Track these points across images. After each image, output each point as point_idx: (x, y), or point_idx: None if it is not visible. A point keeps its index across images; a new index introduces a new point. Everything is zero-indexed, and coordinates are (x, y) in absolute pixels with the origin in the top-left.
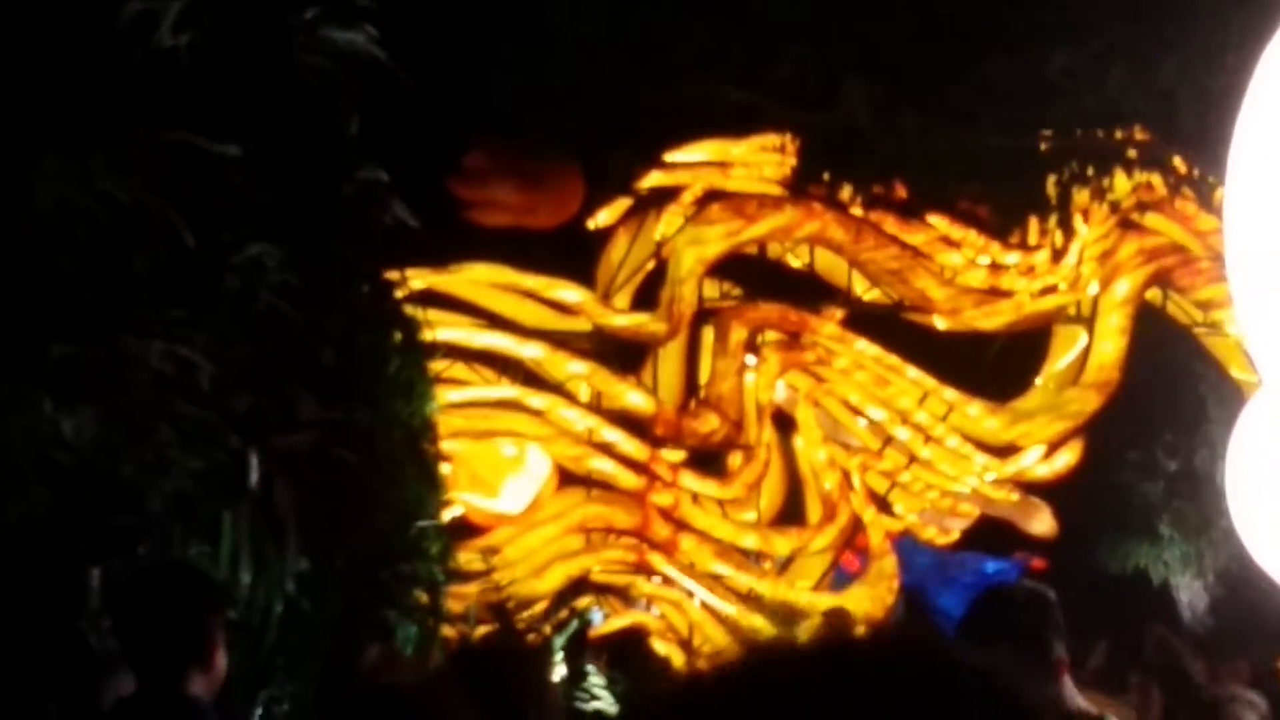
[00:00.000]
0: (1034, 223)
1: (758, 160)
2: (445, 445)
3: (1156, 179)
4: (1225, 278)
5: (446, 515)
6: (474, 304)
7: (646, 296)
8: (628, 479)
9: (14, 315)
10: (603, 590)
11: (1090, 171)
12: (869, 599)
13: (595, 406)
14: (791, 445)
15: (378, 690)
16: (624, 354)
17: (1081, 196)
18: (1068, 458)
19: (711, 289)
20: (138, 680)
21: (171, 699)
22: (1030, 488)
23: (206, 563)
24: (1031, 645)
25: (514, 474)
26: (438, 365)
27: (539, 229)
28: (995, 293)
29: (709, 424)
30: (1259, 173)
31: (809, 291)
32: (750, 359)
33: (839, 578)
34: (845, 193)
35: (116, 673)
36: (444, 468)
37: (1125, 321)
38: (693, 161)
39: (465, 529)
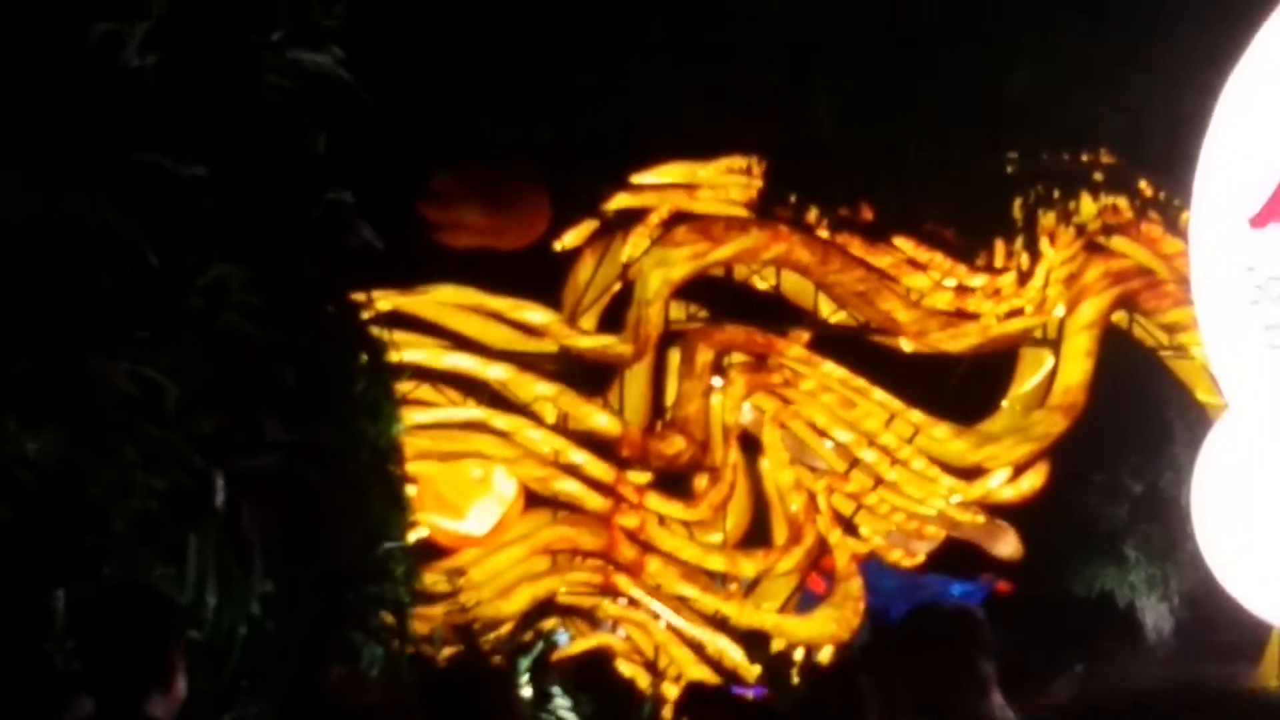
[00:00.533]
0: (1000, 245)
1: (724, 182)
2: (411, 467)
3: (1123, 202)
4: (1191, 301)
5: (412, 537)
6: (440, 325)
7: (613, 318)
8: (594, 501)
9: None
10: (568, 612)
11: (1056, 194)
12: (835, 621)
13: (561, 428)
14: (758, 467)
15: (345, 713)
16: (590, 376)
17: (1048, 219)
18: (1033, 480)
19: (678, 311)
20: (97, 702)
21: None
22: (996, 510)
23: (171, 584)
24: (958, 662)
25: (480, 496)
26: (404, 386)
27: (505, 251)
28: (961, 315)
29: (675, 446)
30: (1224, 196)
31: (775, 313)
32: (716, 381)
33: (805, 599)
34: (812, 215)
35: (80, 694)
36: (410, 489)
37: (1091, 344)
38: (659, 183)
39: (431, 550)
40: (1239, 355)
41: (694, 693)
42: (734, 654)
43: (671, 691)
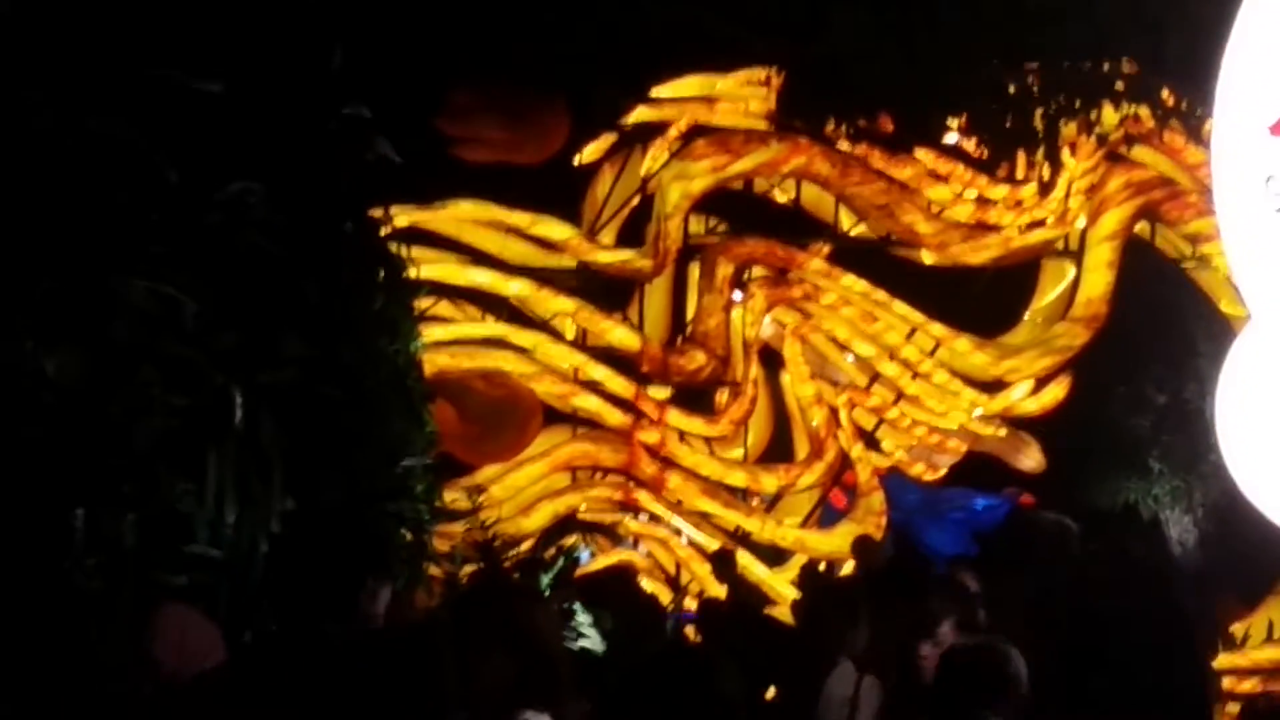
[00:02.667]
0: (1021, 156)
1: (743, 95)
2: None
3: (1144, 111)
4: (1213, 211)
5: (432, 454)
6: (459, 241)
7: (632, 232)
8: (614, 417)
9: None
10: (590, 528)
11: (1077, 104)
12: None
13: (581, 344)
14: (779, 381)
15: (397, 631)
16: (610, 291)
17: (1069, 129)
18: (1056, 393)
19: (697, 225)
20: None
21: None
22: (1019, 423)
23: (192, 501)
24: (1055, 573)
25: None
26: (423, 303)
27: (524, 165)
28: (983, 227)
29: (696, 361)
30: (1246, 105)
31: (795, 226)
32: (737, 295)
33: (827, 515)
34: (831, 127)
35: (101, 612)
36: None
37: (1113, 255)
38: (678, 97)
39: (451, 467)
40: (1261, 264)
41: (709, 608)
42: (757, 569)
43: (694, 606)
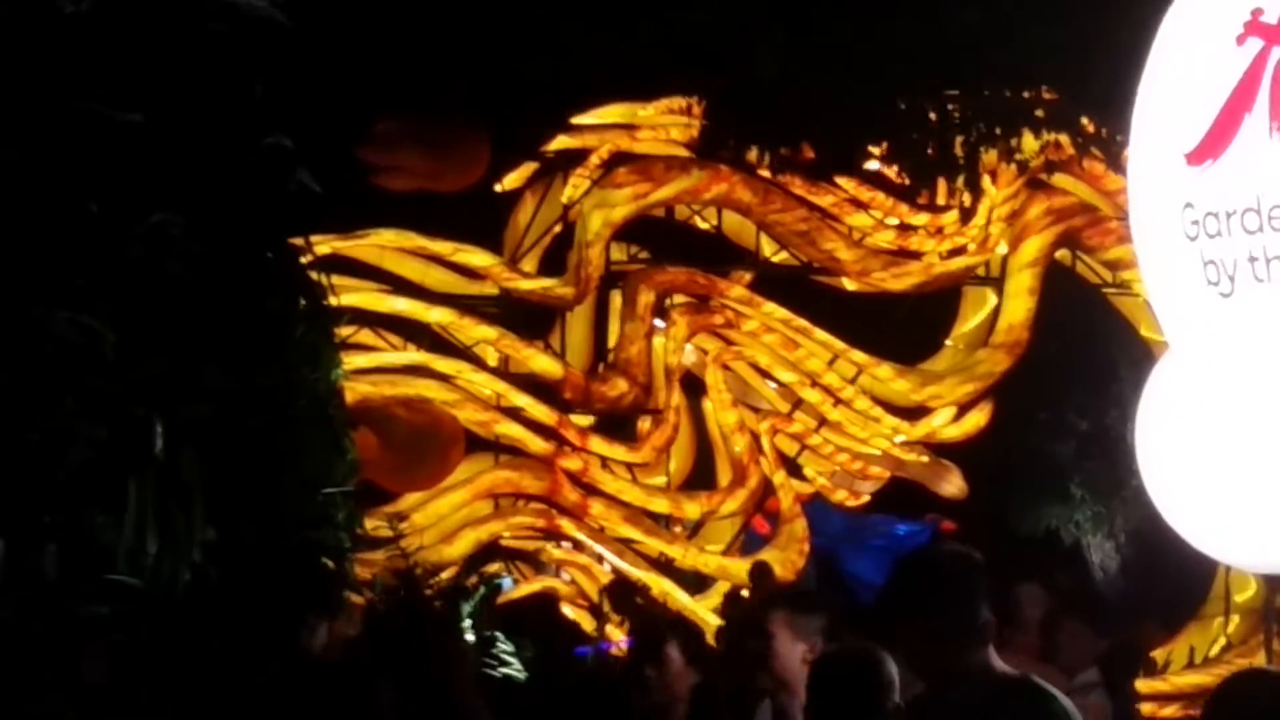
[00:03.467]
0: (942, 183)
1: (664, 123)
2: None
3: (1065, 139)
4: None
5: (353, 482)
6: (380, 269)
7: (554, 260)
8: (536, 444)
9: None
10: (512, 556)
11: (998, 132)
12: (779, 563)
13: (503, 371)
14: (701, 408)
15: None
16: (532, 318)
17: (989, 157)
18: (977, 419)
19: (619, 252)
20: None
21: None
22: (940, 449)
23: (112, 532)
24: (962, 609)
25: None
26: (344, 330)
27: (445, 193)
28: (904, 254)
29: (618, 388)
30: (1163, 133)
31: (717, 254)
32: (659, 322)
33: (750, 541)
34: (753, 155)
35: (22, 643)
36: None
37: (1034, 282)
38: (599, 124)
39: (373, 495)
40: (1177, 292)
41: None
42: (680, 597)
43: (616, 635)
